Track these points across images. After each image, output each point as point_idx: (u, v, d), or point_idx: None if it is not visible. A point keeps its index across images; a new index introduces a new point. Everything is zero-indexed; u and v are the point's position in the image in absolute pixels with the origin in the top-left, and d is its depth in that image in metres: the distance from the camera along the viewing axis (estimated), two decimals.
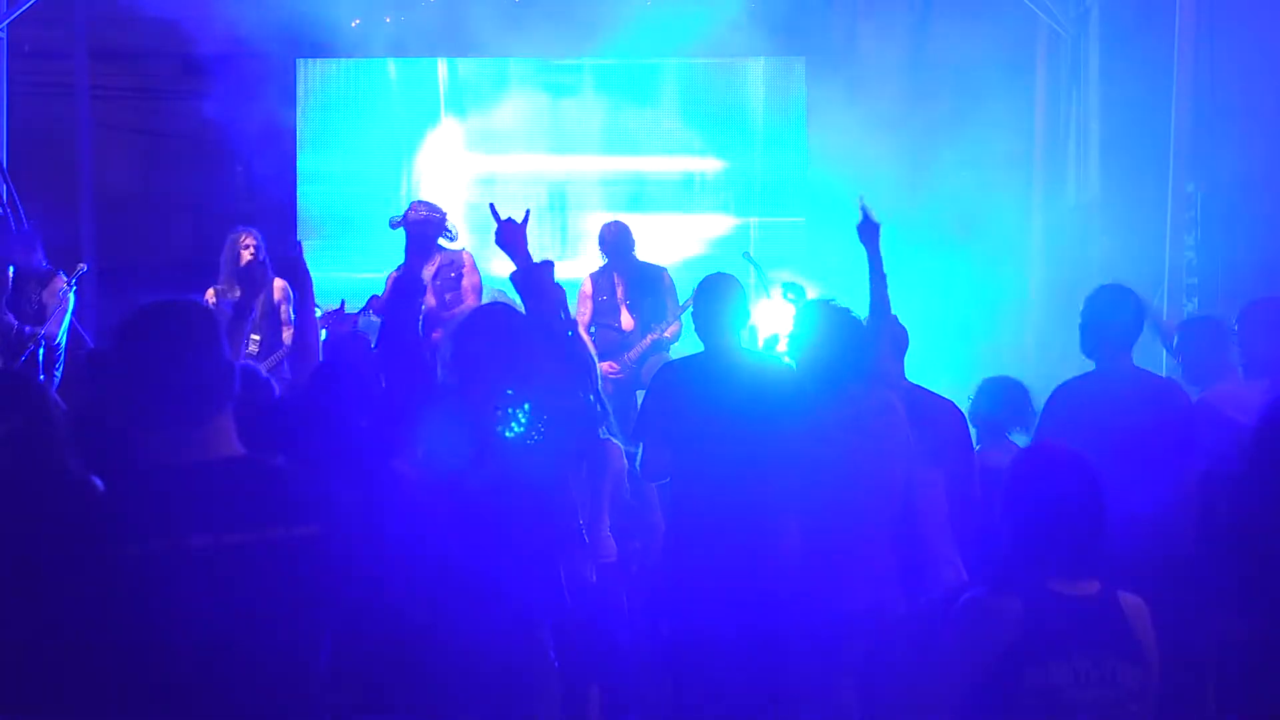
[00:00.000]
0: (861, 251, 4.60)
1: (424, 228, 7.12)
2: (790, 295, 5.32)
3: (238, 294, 7.09)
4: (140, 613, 2.15)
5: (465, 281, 7.26)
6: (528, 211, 4.16)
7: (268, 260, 7.38)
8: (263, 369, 4.83)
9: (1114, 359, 4.47)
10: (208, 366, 2.30)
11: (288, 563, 2.24)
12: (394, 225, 7.35)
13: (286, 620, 2.24)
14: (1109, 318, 4.50)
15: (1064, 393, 4.48)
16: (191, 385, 2.28)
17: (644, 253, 7.93)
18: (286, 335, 7.35)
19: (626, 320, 7.71)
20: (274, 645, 2.22)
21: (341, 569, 2.31)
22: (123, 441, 2.35)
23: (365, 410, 3.91)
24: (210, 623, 2.17)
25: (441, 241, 7.29)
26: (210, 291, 7.42)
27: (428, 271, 7.31)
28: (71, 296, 7.18)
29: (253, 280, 7.25)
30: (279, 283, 7.38)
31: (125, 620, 2.14)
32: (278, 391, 4.07)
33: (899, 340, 4.81)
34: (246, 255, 7.31)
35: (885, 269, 4.56)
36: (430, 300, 7.00)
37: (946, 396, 4.89)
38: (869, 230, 4.58)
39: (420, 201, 7.46)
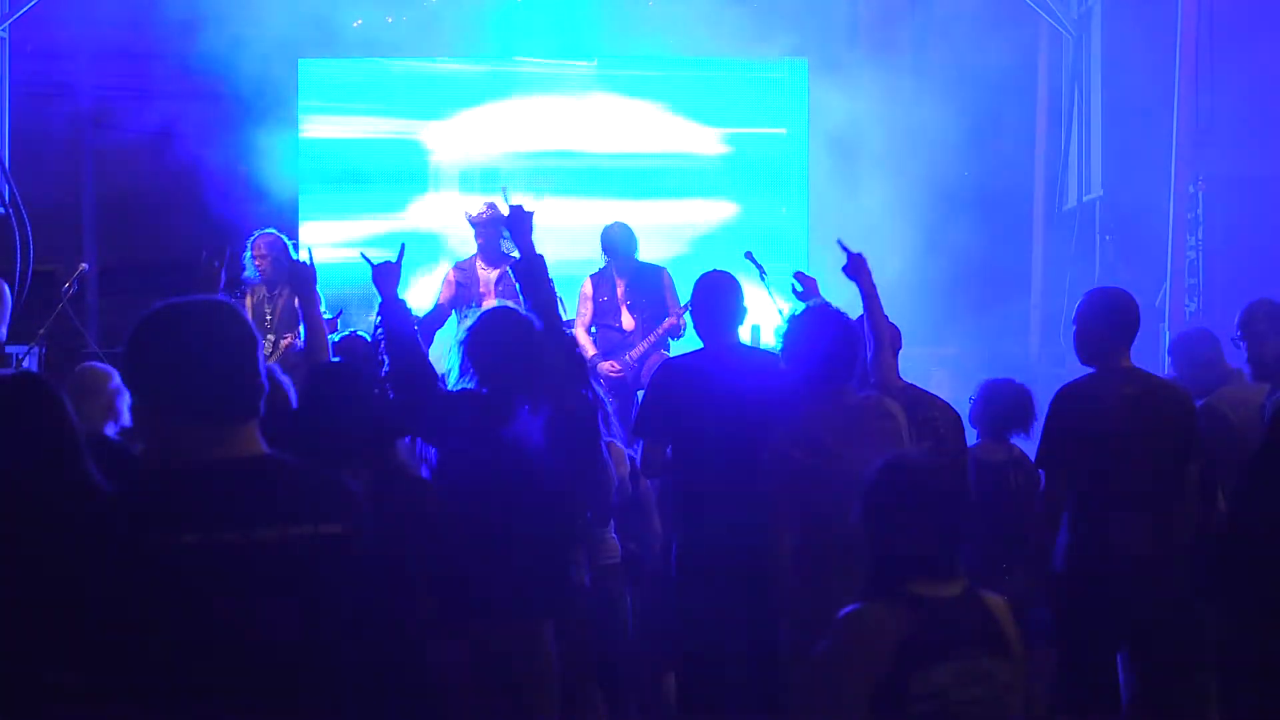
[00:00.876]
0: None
1: (496, 226, 7.21)
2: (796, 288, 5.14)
3: (278, 296, 7.11)
4: (170, 608, 2.16)
5: None
6: (537, 202, 4.28)
7: (281, 261, 7.35)
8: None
9: (1113, 362, 4.45)
10: (248, 367, 2.31)
11: (312, 560, 2.25)
12: (473, 222, 7.43)
13: (309, 617, 2.26)
14: (1103, 323, 4.47)
15: (1066, 396, 4.46)
16: (231, 385, 2.28)
17: (645, 252, 7.92)
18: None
19: (627, 320, 7.70)
20: (298, 641, 2.24)
21: (362, 568, 2.32)
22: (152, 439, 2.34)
23: (372, 410, 3.92)
24: (237, 619, 2.19)
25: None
26: (248, 298, 7.29)
27: (493, 274, 7.37)
28: (9, 298, 7.10)
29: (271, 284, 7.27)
30: None
31: (154, 616, 2.15)
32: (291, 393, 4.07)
33: (893, 340, 4.79)
34: (261, 263, 7.27)
35: (878, 291, 4.59)
36: (495, 301, 6.99)
37: (943, 398, 4.89)
38: (854, 266, 4.61)
39: (492, 202, 7.55)
